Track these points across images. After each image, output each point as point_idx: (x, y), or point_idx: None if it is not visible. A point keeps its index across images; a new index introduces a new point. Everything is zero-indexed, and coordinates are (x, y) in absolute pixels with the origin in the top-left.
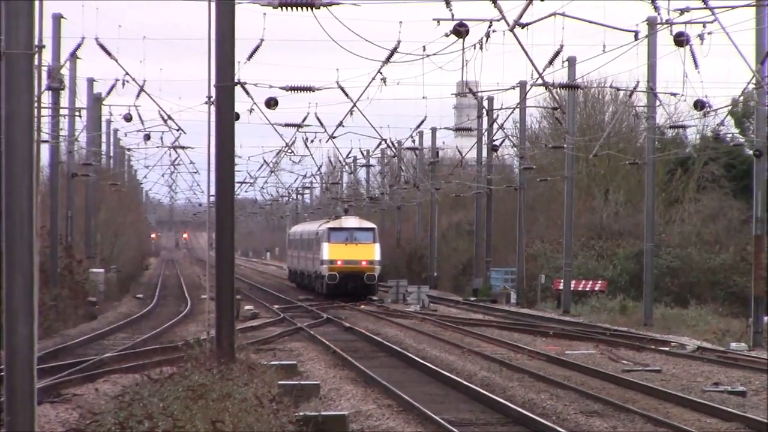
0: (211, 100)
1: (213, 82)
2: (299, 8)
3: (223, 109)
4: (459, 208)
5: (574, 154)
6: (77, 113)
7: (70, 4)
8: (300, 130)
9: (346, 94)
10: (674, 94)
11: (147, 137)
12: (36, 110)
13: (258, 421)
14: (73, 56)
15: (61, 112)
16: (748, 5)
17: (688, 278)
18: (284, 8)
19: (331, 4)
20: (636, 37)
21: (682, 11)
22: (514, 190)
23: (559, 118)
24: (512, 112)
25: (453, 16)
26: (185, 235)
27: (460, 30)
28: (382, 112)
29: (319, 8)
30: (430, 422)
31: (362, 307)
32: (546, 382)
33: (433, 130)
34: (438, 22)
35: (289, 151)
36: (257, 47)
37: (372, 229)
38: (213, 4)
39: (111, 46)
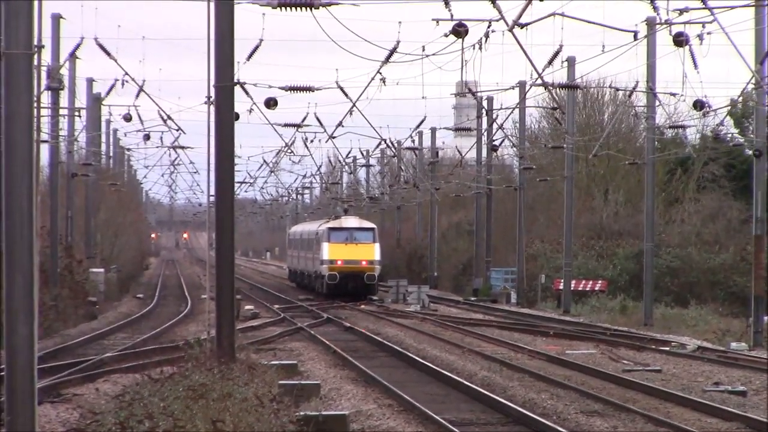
0: (211, 100)
1: (212, 82)
2: (298, 8)
3: (223, 109)
4: (459, 208)
5: (573, 154)
6: (77, 113)
7: (69, 4)
8: (300, 130)
9: (346, 94)
10: (674, 94)
11: (147, 137)
12: (36, 110)
13: (258, 421)
14: (73, 56)
15: (61, 112)
16: (747, 5)
17: (688, 278)
18: (283, 8)
19: (330, 5)
20: (635, 38)
21: (682, 11)
22: (514, 190)
23: (558, 118)
24: (512, 112)
25: (452, 16)
26: (185, 235)
27: (460, 30)
28: (381, 112)
29: (318, 8)
30: (431, 422)
31: (362, 306)
32: (546, 382)
33: (433, 130)
34: (437, 22)
35: (289, 151)
36: (256, 47)
37: (372, 229)
38: (212, 5)
39: (110, 46)
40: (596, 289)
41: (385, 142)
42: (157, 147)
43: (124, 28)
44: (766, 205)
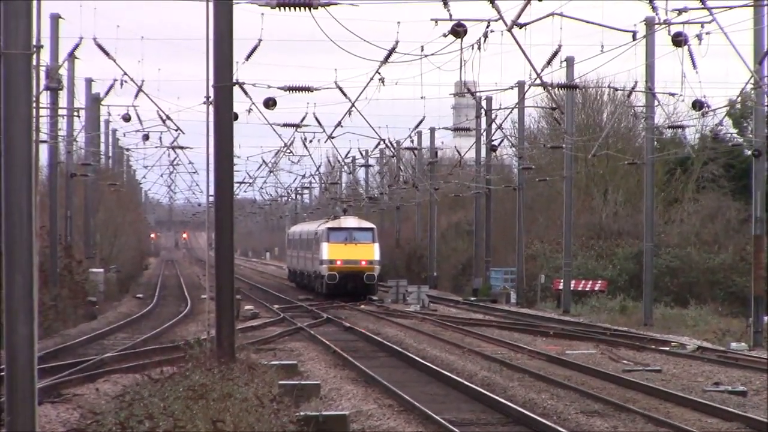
0: (210, 100)
1: (211, 82)
2: (297, 8)
3: (222, 110)
4: (458, 208)
5: (572, 154)
6: (76, 113)
7: (68, 4)
8: (299, 130)
9: (345, 95)
10: (673, 94)
11: (146, 137)
12: (34, 110)
13: (259, 421)
14: (72, 56)
15: (60, 112)
16: (746, 5)
17: (688, 278)
18: (282, 8)
19: (329, 5)
20: (634, 38)
21: (680, 11)
22: (513, 190)
23: (557, 118)
24: (511, 112)
25: (451, 16)
26: (185, 235)
27: (458, 30)
28: (380, 112)
29: (317, 8)
30: (431, 422)
31: (362, 306)
32: (546, 382)
33: (432, 130)
34: (436, 22)
35: (288, 151)
36: (255, 47)
37: (371, 228)
38: (211, 5)
39: (109, 46)
40: (596, 289)
41: (384, 142)
42: (156, 147)
43: (123, 28)
44: (765, 204)
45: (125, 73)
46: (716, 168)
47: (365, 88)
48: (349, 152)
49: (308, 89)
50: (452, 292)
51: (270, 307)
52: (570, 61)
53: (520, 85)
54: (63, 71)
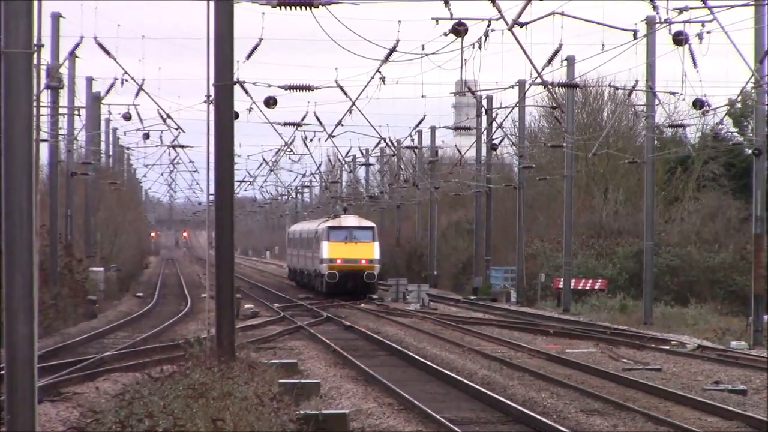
0: (210, 99)
1: (212, 81)
2: (298, 7)
3: (222, 108)
4: (458, 206)
5: (573, 152)
6: (76, 112)
7: (68, 3)
8: (299, 129)
9: (345, 93)
10: (673, 93)
11: (146, 136)
12: (35, 109)
13: (259, 420)
14: (72, 55)
15: (60, 111)
16: (747, 4)
17: (688, 277)
18: (283, 7)
19: (329, 3)
20: (635, 37)
21: (681, 10)
22: (514, 188)
23: (558, 117)
24: (511, 111)
25: (452, 15)
26: (185, 234)
27: (459, 29)
28: (381, 111)
29: (317, 7)
30: (431, 421)
31: (362, 305)
32: (546, 381)
33: (432, 129)
34: (437, 21)
35: (289, 150)
36: (256, 46)
37: (371, 227)
38: (212, 4)
39: (110, 45)
40: (596, 287)
41: (385, 141)
42: (157, 146)
43: (124, 27)
44: (765, 203)
45: (126, 72)
46: (717, 167)
47: (366, 86)
48: (349, 151)
49: (309, 88)
50: (452, 291)
51: (270, 305)
52: (571, 60)
53: (521, 84)
54: (64, 70)
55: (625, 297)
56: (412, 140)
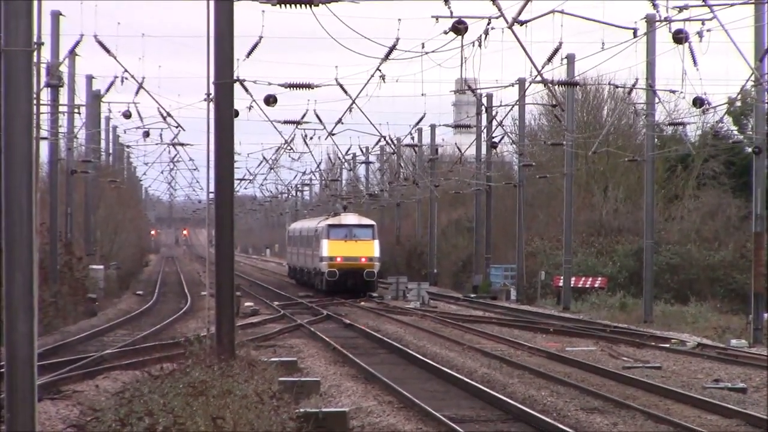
0: (211, 97)
1: (212, 79)
2: (298, 5)
3: (223, 107)
4: (458, 204)
5: (573, 151)
6: (76, 110)
7: (68, 1)
8: (299, 127)
9: (345, 92)
10: (673, 92)
11: (146, 134)
12: (35, 107)
13: (258, 418)
14: (72, 53)
15: (60, 109)
16: (747, 3)
17: (688, 275)
18: (283, 5)
19: (330, 2)
20: (635, 35)
21: (681, 9)
22: (514, 187)
23: (558, 115)
24: (511, 109)
25: (452, 13)
26: (185, 232)
27: (459, 27)
28: (381, 109)
29: (318, 5)
30: (431, 419)
31: (362, 303)
32: (546, 379)
33: (433, 127)
34: (437, 19)
35: (289, 148)
36: (256, 44)
37: (371, 225)
38: (212, 2)
39: (110, 44)
40: (596, 286)
41: (385, 139)
42: (157, 144)
43: (124, 25)
44: (765, 202)
45: (126, 70)
46: (717, 165)
47: (366, 85)
48: (349, 149)
49: (309, 86)
50: (452, 289)
51: (270, 303)
52: (571, 59)
53: (521, 82)
54: (64, 68)
55: (625, 295)
56: (412, 138)
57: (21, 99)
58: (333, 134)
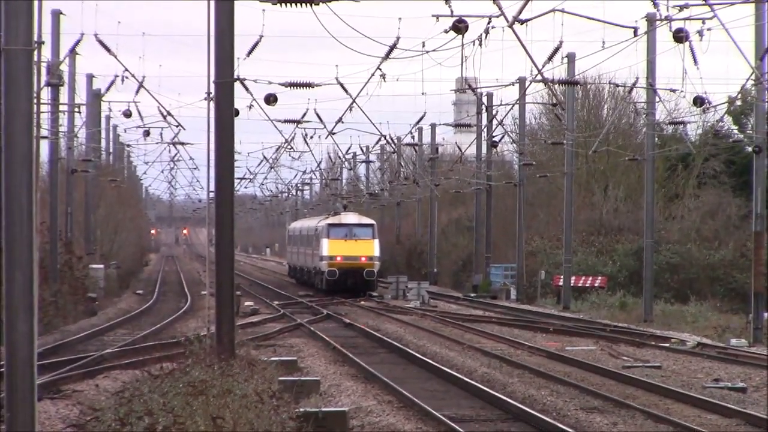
0: (211, 96)
1: (212, 78)
2: (298, 4)
3: (223, 106)
4: (458, 204)
5: (573, 150)
6: (76, 109)
7: (69, 0)
8: (299, 126)
9: (346, 91)
10: (674, 91)
11: (146, 133)
12: (35, 106)
13: (258, 417)
14: (73, 52)
15: (61, 108)
16: (747, 1)
17: (688, 274)
18: (283, 4)
19: (330, 0)
20: (635, 34)
21: (682, 8)
22: (514, 186)
23: (558, 115)
24: (511, 108)
25: (452, 12)
26: (185, 231)
27: (460, 26)
28: (381, 108)
29: (318, 4)
30: (431, 418)
31: (362, 303)
32: (546, 378)
33: (433, 126)
34: (437, 18)
35: (289, 147)
36: (256, 43)
37: (371, 225)
38: (212, 1)
39: (110, 43)
40: (596, 285)
41: (385, 138)
42: (157, 143)
43: (124, 24)
44: (765, 201)
45: (126, 69)
46: (717, 164)
47: (366, 84)
48: (349, 148)
49: (309, 85)
50: (452, 289)
51: (270, 303)
52: (571, 58)
53: (521, 81)
54: (64, 67)
55: (625, 294)
56: (413, 137)
57: (21, 98)
58: (333, 133)
